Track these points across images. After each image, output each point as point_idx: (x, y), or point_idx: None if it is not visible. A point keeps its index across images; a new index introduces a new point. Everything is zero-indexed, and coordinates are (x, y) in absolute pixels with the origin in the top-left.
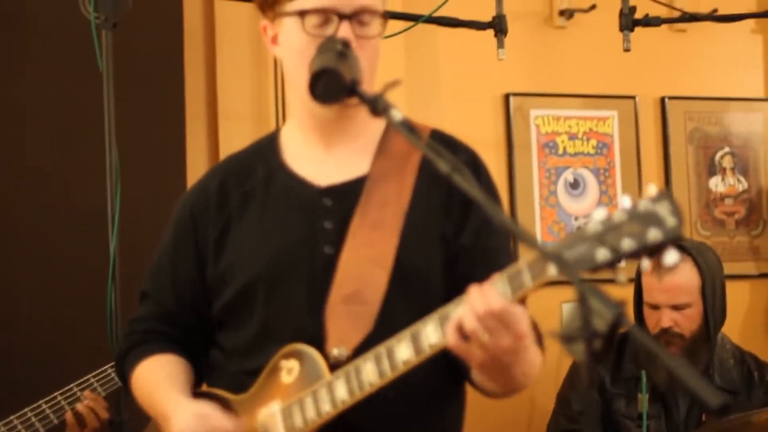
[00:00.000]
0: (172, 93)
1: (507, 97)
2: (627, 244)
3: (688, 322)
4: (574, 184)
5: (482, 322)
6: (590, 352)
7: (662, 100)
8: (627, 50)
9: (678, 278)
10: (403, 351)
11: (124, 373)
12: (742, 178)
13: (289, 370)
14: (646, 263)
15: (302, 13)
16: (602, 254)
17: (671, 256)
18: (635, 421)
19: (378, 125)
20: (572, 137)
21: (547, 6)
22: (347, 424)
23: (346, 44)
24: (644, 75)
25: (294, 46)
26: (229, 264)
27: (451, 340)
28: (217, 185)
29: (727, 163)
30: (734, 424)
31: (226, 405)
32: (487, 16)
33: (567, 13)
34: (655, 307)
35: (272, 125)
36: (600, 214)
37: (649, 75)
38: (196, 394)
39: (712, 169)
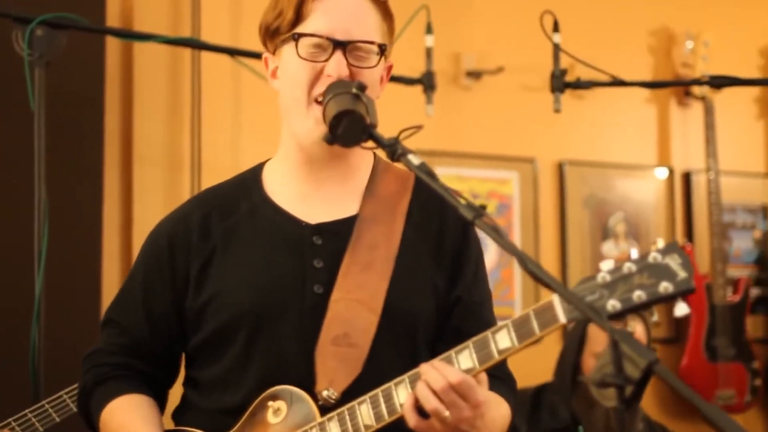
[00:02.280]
0: (92, 136)
1: None
2: (638, 295)
3: None
4: None
5: (442, 397)
6: (622, 398)
7: (560, 164)
8: (557, 111)
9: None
10: (401, 395)
11: (90, 410)
12: (634, 244)
13: (276, 410)
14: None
15: (297, 36)
16: (613, 305)
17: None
18: None
19: (367, 167)
20: (475, 197)
21: (454, 66)
22: None
23: (361, 87)
24: (544, 138)
25: (288, 72)
26: (211, 297)
27: (411, 421)
28: (200, 218)
29: (620, 228)
30: None
31: None
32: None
33: (474, 74)
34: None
35: (187, 172)
36: (608, 265)
37: (548, 139)
38: None
39: (606, 234)
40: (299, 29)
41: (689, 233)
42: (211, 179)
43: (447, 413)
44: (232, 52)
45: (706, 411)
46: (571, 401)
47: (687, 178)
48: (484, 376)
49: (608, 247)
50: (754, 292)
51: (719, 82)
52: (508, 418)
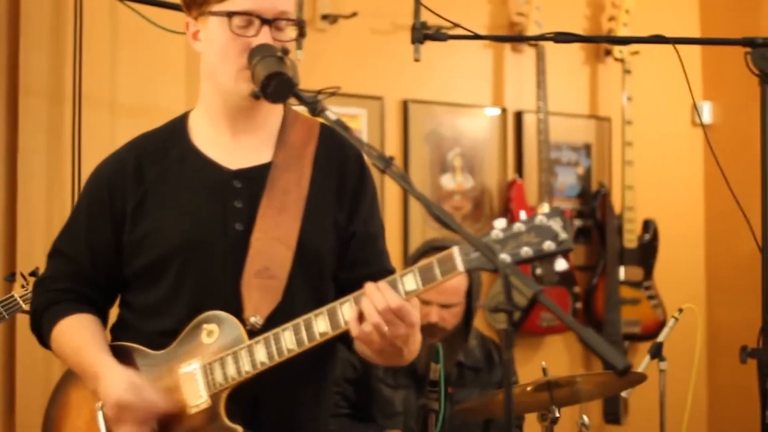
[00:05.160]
0: None
1: None
2: (525, 251)
3: (452, 318)
4: None
5: (383, 316)
6: (511, 321)
7: (405, 102)
8: (417, 60)
9: (452, 282)
10: (320, 324)
11: (41, 329)
12: (469, 177)
13: (209, 332)
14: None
15: (230, 15)
16: (504, 258)
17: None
18: (391, 387)
19: (276, 118)
20: None
21: (311, 9)
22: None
23: (285, 51)
24: (391, 79)
25: (217, 42)
26: (144, 234)
27: (354, 330)
28: (134, 162)
29: (457, 162)
30: (480, 401)
31: (146, 358)
32: None
33: (330, 18)
34: (426, 303)
35: (69, 104)
36: (501, 224)
37: (395, 79)
38: (121, 347)
39: (444, 167)
40: (227, 5)
41: (519, 168)
42: (90, 111)
43: (386, 328)
44: None
45: (583, 334)
46: None
47: (518, 117)
48: (416, 301)
49: (446, 179)
50: (576, 223)
51: (564, 39)
52: (420, 341)
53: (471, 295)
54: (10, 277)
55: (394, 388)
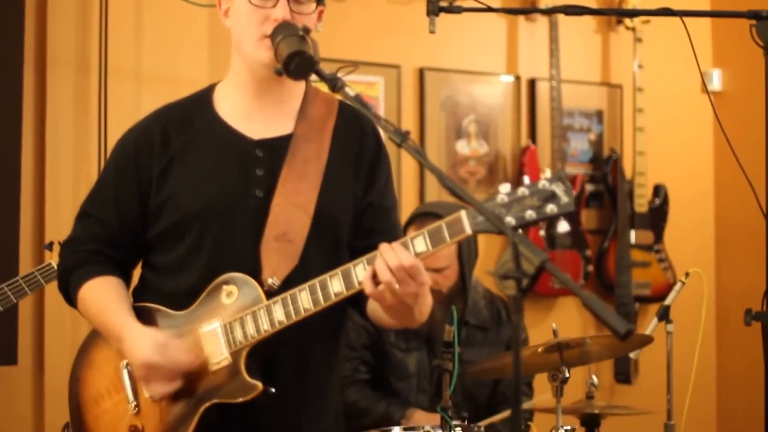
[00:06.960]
0: (14, 39)
1: None
2: (529, 214)
3: (446, 280)
4: None
5: (394, 274)
6: (520, 288)
7: (421, 70)
8: (432, 32)
9: None
10: (335, 285)
11: (69, 288)
12: (483, 143)
13: (228, 293)
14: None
15: None
16: (509, 221)
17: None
18: (403, 351)
19: (298, 93)
20: None
21: None
22: (270, 342)
23: (307, 30)
24: (407, 47)
25: (240, 16)
26: (168, 197)
27: (368, 287)
28: (160, 130)
29: (472, 128)
30: (491, 362)
31: (168, 318)
32: None
33: None
34: None
35: (95, 74)
36: (505, 188)
37: (411, 47)
38: (143, 308)
39: (459, 133)
40: None
41: (533, 135)
42: (116, 81)
43: (397, 286)
44: None
45: (586, 299)
46: None
47: (532, 85)
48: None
49: (461, 145)
50: (589, 187)
51: (574, 11)
52: (431, 304)
53: (462, 256)
54: (48, 246)
55: (406, 351)
